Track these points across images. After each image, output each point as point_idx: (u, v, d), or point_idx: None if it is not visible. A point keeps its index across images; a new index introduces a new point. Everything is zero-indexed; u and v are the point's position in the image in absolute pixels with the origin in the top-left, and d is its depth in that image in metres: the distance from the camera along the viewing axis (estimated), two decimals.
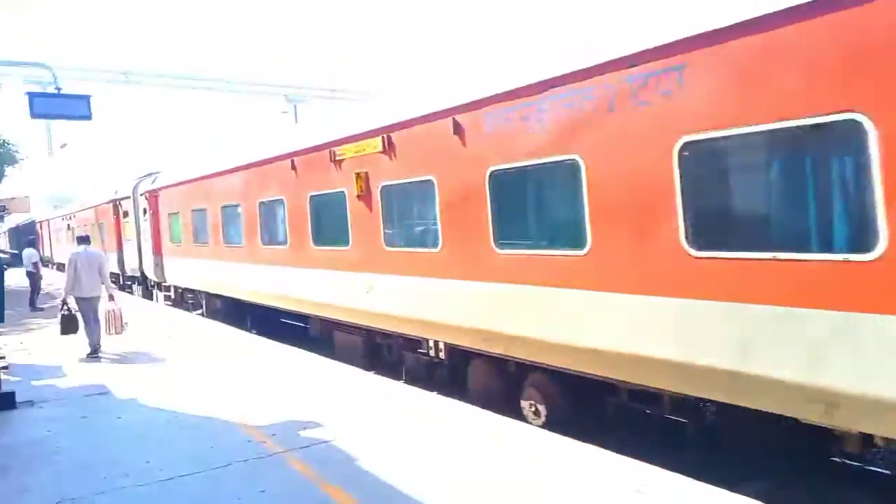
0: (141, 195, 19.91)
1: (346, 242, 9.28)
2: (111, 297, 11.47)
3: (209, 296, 16.16)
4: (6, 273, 13.74)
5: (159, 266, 18.96)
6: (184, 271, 17.15)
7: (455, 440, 5.99)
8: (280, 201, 11.21)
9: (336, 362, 9.74)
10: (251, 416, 7.10)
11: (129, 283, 23.85)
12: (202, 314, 16.55)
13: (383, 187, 8.48)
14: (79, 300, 11.23)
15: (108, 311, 11.38)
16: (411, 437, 6.17)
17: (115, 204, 22.96)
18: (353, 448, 5.92)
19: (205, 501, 4.99)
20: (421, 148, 7.80)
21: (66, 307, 11.37)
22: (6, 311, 11.28)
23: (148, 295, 21.57)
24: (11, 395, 8.17)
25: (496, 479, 5.05)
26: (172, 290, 18.98)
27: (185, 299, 18.11)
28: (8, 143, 30.92)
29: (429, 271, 7.74)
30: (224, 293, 14.82)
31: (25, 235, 43.64)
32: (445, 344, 7.94)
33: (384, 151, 8.31)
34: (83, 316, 11.20)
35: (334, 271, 9.64)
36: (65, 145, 31.84)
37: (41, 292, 20.83)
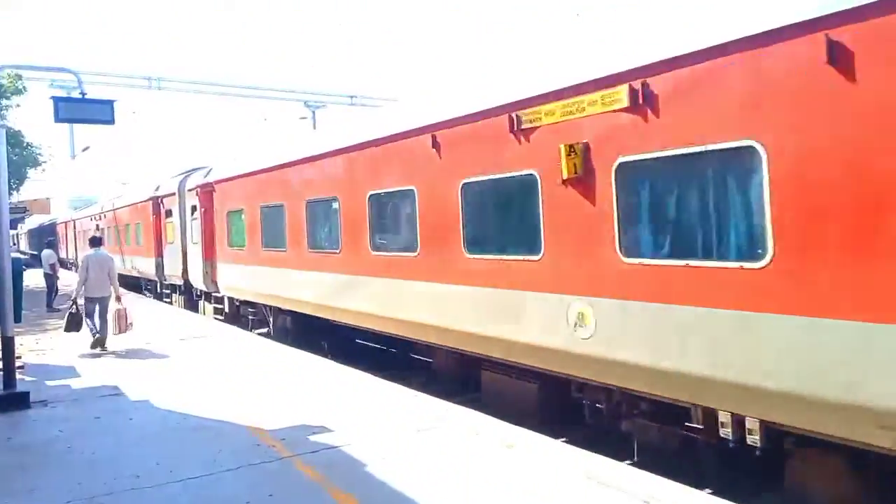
0: (190, 191, 17.17)
1: (535, 249, 6.49)
2: (118, 298, 12.02)
3: (277, 311, 13.23)
4: (25, 274, 14.09)
5: (209, 274, 16.08)
6: (245, 281, 14.06)
7: (467, 449, 5.95)
8: (407, 193, 8.41)
9: (349, 368, 9.70)
10: (261, 420, 7.11)
11: (168, 291, 21.11)
12: (268, 334, 13.61)
13: (624, 166, 5.63)
14: (89, 299, 11.84)
15: (116, 311, 11.88)
16: (422, 444, 6.13)
17: (157, 201, 20.22)
18: (362, 454, 5.89)
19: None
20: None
21: (75, 306, 11.96)
22: (23, 311, 11.66)
23: (192, 306, 18.61)
24: (26, 394, 8.25)
25: (506, 490, 5.00)
26: (226, 302, 15.81)
27: (241, 314, 15.13)
28: (32, 146, 31.40)
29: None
30: (307, 311, 11.53)
31: (45, 236, 44.31)
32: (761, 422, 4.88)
33: (632, 108, 5.48)
34: (89, 314, 11.84)
35: (513, 291, 6.79)
36: (87, 148, 32.23)
37: (58, 293, 21.06)
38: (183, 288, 19.03)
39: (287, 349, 11.48)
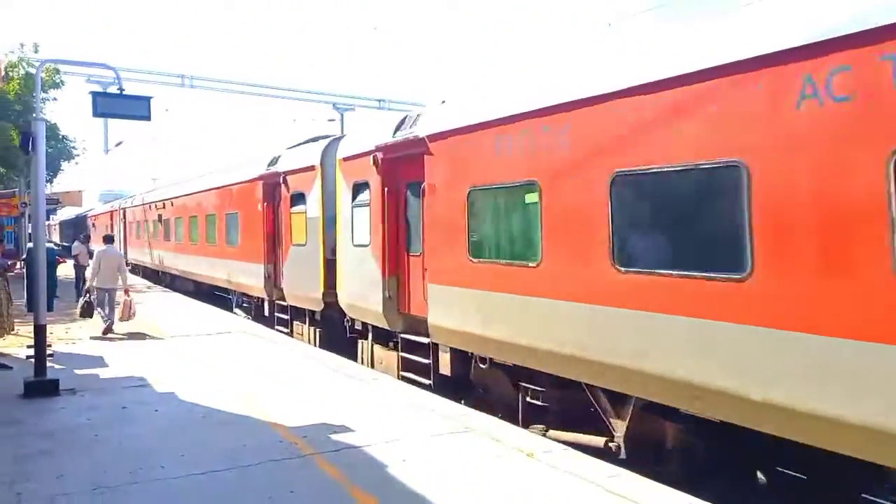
0: (352, 159, 10.70)
1: None
2: (127, 291, 13.60)
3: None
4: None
5: (408, 299, 9.49)
6: (502, 321, 7.33)
7: (487, 455, 5.95)
8: None
9: (374, 371, 9.72)
10: (285, 417, 7.17)
11: (286, 317, 14.03)
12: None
13: None
14: (99, 290, 13.31)
15: (124, 301, 13.41)
16: (443, 449, 6.15)
17: (272, 181, 14.21)
18: (383, 455, 5.92)
19: (237, 498, 5.05)
20: None
21: (88, 295, 13.54)
22: (55, 301, 12.04)
23: (350, 352, 11.18)
24: (55, 382, 8.42)
25: (525, 500, 4.99)
26: (448, 360, 8.45)
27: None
28: (67, 139, 32.08)
29: None
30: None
31: (76, 228, 44.71)
32: None
33: None
34: (101, 303, 13.29)
35: None
36: (120, 143, 32.84)
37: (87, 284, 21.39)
38: (319, 316, 12.41)
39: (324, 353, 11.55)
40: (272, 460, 5.81)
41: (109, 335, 12.80)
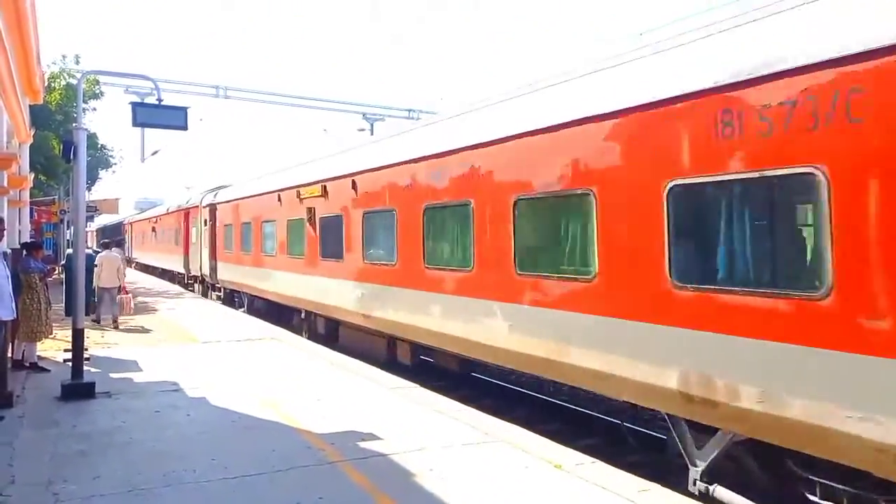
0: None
1: None
2: (125, 290, 15.91)
3: None
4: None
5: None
6: None
7: (514, 466, 5.93)
8: None
9: (400, 379, 9.78)
10: (313, 423, 7.24)
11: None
12: None
13: None
14: (101, 289, 15.42)
15: (120, 299, 15.57)
16: (470, 458, 6.14)
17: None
18: (410, 463, 5.94)
19: (266, 502, 5.11)
20: None
21: (94, 296, 15.28)
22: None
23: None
24: (91, 385, 8.62)
25: None
26: None
27: None
28: (105, 148, 32.89)
29: None
30: None
31: (113, 235, 46.23)
32: None
33: None
34: (100, 300, 15.49)
35: None
36: (156, 152, 33.57)
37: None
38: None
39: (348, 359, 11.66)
40: (301, 466, 5.87)
41: (111, 327, 15.01)
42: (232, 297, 20.73)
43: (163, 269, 34.11)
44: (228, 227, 19.76)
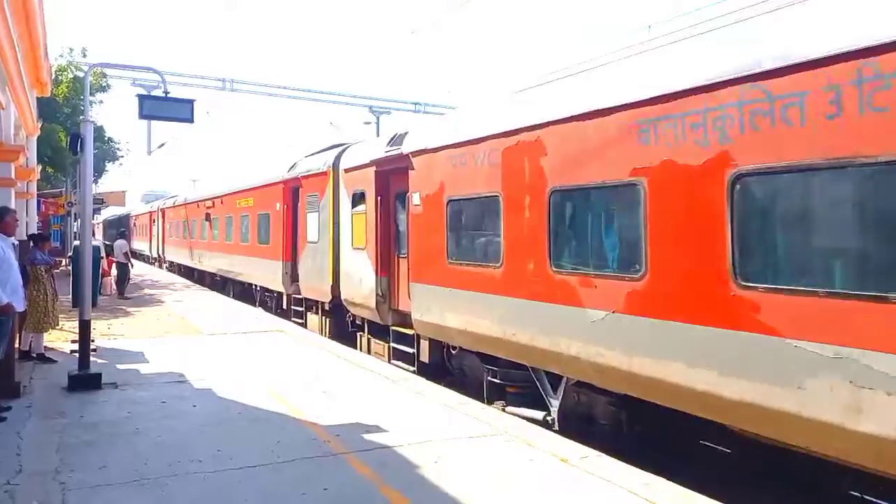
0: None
1: None
2: (107, 273, 20.59)
3: None
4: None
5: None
6: None
7: (519, 459, 5.94)
8: None
9: (404, 372, 9.80)
10: (318, 415, 7.26)
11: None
12: None
13: None
14: (120, 264, 20.66)
15: (104, 281, 19.68)
16: (475, 451, 6.15)
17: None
18: (416, 456, 5.95)
19: (271, 493, 5.13)
20: None
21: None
22: (98, 297, 12.42)
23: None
24: (98, 376, 8.66)
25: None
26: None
27: None
28: (112, 141, 32.99)
29: None
30: None
31: (118, 227, 46.25)
32: None
33: None
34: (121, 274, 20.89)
35: None
36: (163, 145, 33.62)
37: (129, 282, 21.99)
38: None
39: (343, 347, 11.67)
40: (306, 458, 5.89)
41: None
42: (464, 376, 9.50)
43: (224, 279, 22.48)
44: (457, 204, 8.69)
